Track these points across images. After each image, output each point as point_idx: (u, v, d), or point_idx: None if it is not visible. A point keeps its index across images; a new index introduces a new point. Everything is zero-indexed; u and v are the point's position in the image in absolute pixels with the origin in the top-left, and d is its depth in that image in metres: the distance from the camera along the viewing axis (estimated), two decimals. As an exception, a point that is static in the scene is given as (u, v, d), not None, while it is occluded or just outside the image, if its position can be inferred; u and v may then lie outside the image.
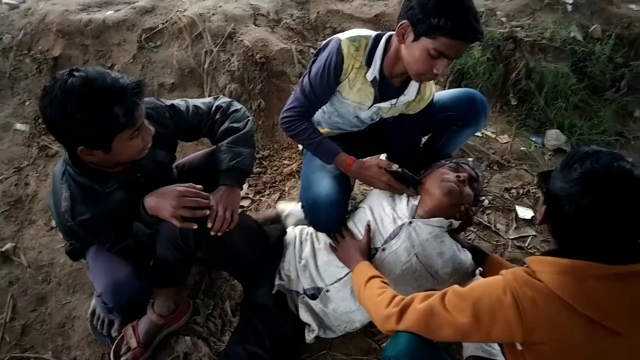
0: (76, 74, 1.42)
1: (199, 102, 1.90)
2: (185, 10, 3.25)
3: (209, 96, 2.99)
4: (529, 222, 2.70)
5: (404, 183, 2.03)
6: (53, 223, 2.58)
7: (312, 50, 3.37)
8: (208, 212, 1.71)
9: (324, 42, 2.01)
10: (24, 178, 2.81)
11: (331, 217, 2.05)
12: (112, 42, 3.17)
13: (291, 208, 2.46)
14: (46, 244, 2.50)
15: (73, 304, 2.28)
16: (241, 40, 3.13)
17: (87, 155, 1.52)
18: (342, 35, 1.90)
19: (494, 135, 3.20)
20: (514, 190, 2.86)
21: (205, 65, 3.10)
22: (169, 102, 1.81)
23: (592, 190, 1.19)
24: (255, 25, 3.30)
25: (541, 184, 1.37)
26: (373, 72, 1.89)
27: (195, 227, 1.68)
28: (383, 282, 1.67)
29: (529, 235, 2.62)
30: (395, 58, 1.84)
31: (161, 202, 1.67)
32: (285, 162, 2.98)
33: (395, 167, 2.00)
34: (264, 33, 3.23)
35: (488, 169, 2.98)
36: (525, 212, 2.73)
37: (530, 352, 1.29)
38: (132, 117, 1.49)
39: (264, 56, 3.09)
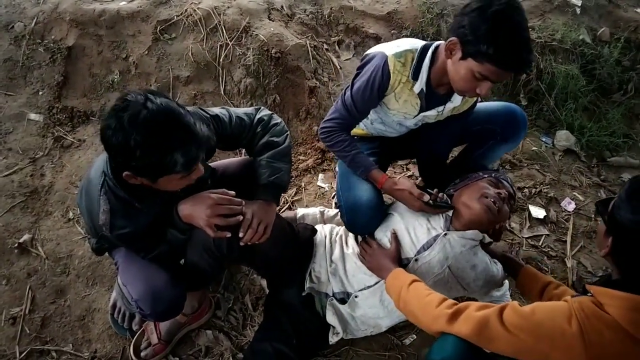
0: (150, 105, 1.38)
1: (240, 112, 1.87)
2: (200, 3, 3.22)
3: (224, 90, 3.02)
4: (542, 222, 2.74)
5: (437, 207, 2.01)
6: (70, 215, 2.57)
7: (325, 46, 3.38)
8: (241, 217, 1.70)
9: (367, 53, 1.98)
10: (40, 169, 2.78)
11: (370, 221, 2.04)
12: (126, 33, 3.14)
13: (305, 210, 2.49)
14: (64, 236, 2.49)
15: (92, 296, 2.28)
16: (256, 34, 3.12)
17: (131, 178, 1.50)
18: (388, 50, 1.87)
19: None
20: (526, 190, 2.90)
21: (221, 59, 3.08)
22: (212, 113, 1.78)
23: None
24: (270, 19, 3.29)
25: (602, 213, 1.34)
26: (420, 84, 1.88)
27: (229, 235, 1.68)
28: (426, 285, 1.67)
29: (542, 234, 2.67)
30: (443, 70, 1.81)
31: (195, 211, 1.66)
32: (301, 157, 2.99)
33: (426, 198, 1.97)
34: (278, 28, 3.22)
35: (500, 168, 3.01)
36: (538, 212, 2.77)
37: None
38: (189, 167, 1.47)
39: (280, 51, 3.09)
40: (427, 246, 1.93)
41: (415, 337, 2.14)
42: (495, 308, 1.38)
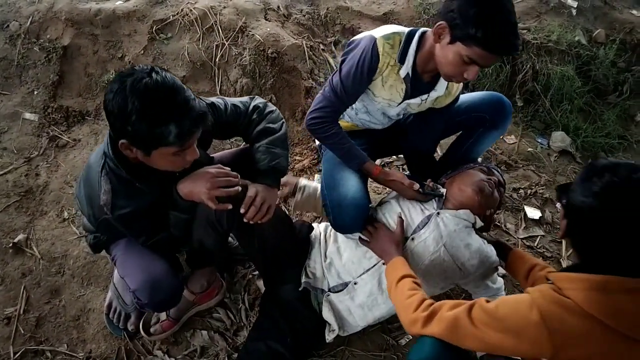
0: (154, 76, 1.42)
1: (236, 101, 1.91)
2: (196, 3, 3.23)
3: (220, 90, 3.02)
4: (538, 222, 2.75)
5: (427, 195, 2.06)
6: (65, 214, 2.56)
7: (322, 47, 3.38)
8: (240, 189, 1.72)
9: (353, 39, 1.98)
10: (34, 168, 2.77)
11: (356, 220, 2.03)
12: (122, 32, 3.14)
13: (307, 182, 2.47)
14: (59, 236, 2.48)
15: (87, 296, 2.27)
16: (252, 34, 3.12)
17: (126, 149, 1.51)
18: (376, 33, 1.87)
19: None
20: (522, 191, 2.90)
21: (217, 59, 3.08)
22: (209, 101, 1.80)
23: (612, 202, 1.18)
24: (266, 19, 3.30)
25: (560, 197, 1.36)
26: (406, 68, 1.88)
27: (230, 207, 1.69)
28: (415, 282, 1.68)
29: (537, 235, 2.68)
30: (429, 55, 1.83)
31: (195, 187, 1.67)
32: (297, 157, 2.99)
33: (417, 186, 2.02)
34: (274, 28, 3.22)
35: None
36: (533, 213, 2.78)
37: None
38: (182, 140, 1.48)
39: (276, 51, 3.09)
40: (422, 225, 1.97)
41: (411, 337, 2.14)
42: (465, 306, 1.39)
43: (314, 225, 2.26)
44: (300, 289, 2.06)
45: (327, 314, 2.02)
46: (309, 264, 2.11)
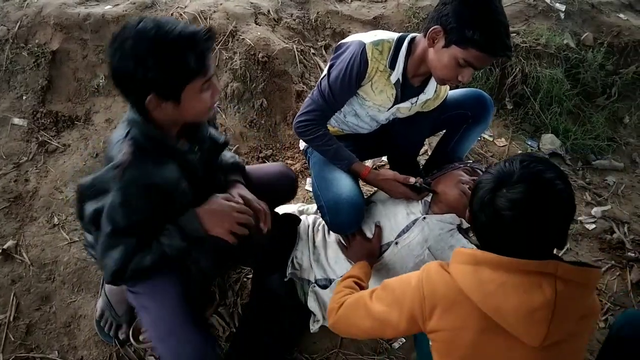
0: (145, 19, 1.37)
1: None
2: (186, 7, 3.22)
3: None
4: (528, 225, 2.75)
5: (420, 192, 2.05)
6: (55, 220, 2.54)
7: (312, 51, 3.39)
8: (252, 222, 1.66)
9: (342, 42, 1.98)
10: (24, 174, 2.74)
11: (352, 219, 2.00)
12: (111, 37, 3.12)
13: (284, 209, 2.48)
14: (49, 242, 2.45)
15: (78, 302, 2.25)
16: (243, 38, 3.11)
17: (156, 107, 1.42)
18: (365, 39, 1.88)
19: (491, 139, 3.26)
20: (512, 193, 2.91)
21: (208, 63, 3.07)
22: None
23: (493, 184, 1.21)
24: (256, 24, 3.29)
25: None
26: (397, 74, 1.89)
27: (247, 232, 1.62)
28: (356, 282, 1.68)
29: (528, 237, 2.68)
30: (421, 60, 1.84)
31: (215, 221, 1.59)
32: (288, 161, 2.98)
33: (412, 180, 2.01)
34: (265, 32, 3.22)
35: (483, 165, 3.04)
36: (523, 215, 2.79)
37: (433, 344, 1.31)
38: (203, 63, 1.42)
39: (266, 55, 3.09)
40: (406, 229, 1.97)
41: (405, 340, 2.15)
42: (372, 288, 1.44)
43: (302, 218, 2.27)
44: (285, 280, 2.07)
45: (312, 304, 2.03)
46: (296, 255, 2.12)
